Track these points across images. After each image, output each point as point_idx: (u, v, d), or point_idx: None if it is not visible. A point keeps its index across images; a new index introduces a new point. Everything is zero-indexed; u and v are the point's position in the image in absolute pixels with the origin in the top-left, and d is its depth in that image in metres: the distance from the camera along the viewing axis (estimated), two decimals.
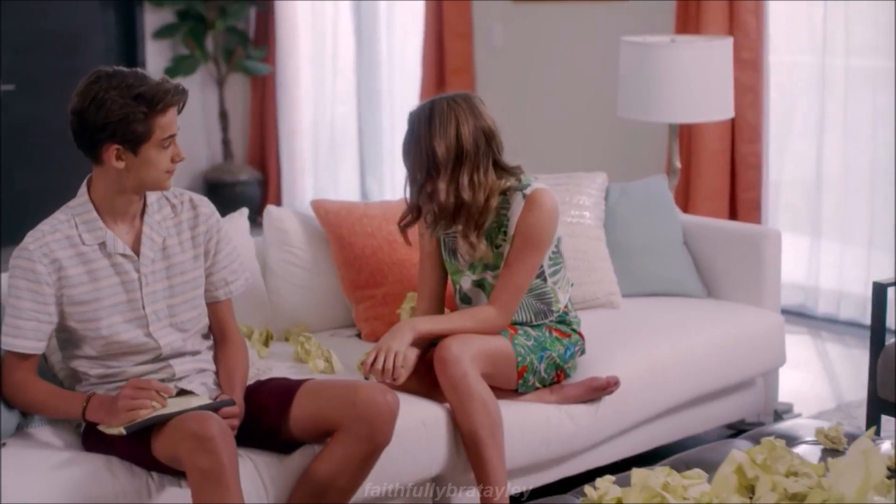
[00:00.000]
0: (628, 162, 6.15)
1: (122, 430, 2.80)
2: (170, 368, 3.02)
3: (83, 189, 2.99)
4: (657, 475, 2.59)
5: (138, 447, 2.86)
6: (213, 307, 3.14)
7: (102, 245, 2.94)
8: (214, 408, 2.86)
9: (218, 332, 3.18)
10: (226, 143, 8.18)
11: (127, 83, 2.85)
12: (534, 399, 3.50)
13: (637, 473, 2.61)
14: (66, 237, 2.92)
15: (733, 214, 5.93)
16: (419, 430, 3.24)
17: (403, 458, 3.19)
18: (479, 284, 3.49)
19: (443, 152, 3.30)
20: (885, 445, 2.82)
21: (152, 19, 7.91)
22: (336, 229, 3.83)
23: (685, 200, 5.98)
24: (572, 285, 3.65)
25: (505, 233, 3.42)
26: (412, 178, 3.38)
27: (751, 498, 2.54)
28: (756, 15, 5.77)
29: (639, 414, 3.69)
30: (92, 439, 2.93)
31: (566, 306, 3.57)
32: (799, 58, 5.81)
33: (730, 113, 4.82)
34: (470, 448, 3.28)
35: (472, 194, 3.33)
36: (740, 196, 5.93)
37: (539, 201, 3.39)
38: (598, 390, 3.53)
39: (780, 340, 4.10)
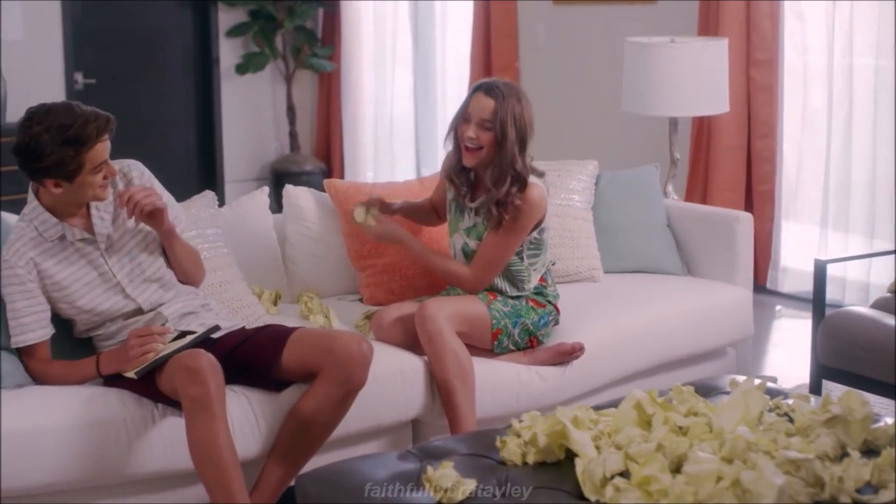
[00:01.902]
0: (649, 153, 6.52)
1: (133, 375, 3.32)
2: (161, 316, 3.52)
3: (31, 196, 3.47)
4: (574, 411, 3.02)
5: (145, 383, 3.36)
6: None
7: (62, 237, 3.44)
8: (206, 336, 3.37)
9: None
10: (293, 135, 8.71)
11: (58, 123, 3.27)
12: (507, 359, 3.94)
13: (559, 410, 3.04)
14: (31, 239, 3.42)
15: (749, 206, 6.28)
16: (396, 376, 3.70)
17: (382, 401, 3.66)
18: (465, 251, 3.96)
19: (530, 124, 3.83)
20: (789, 400, 3.20)
21: (225, 18, 8.48)
22: (345, 206, 4.30)
23: (703, 192, 6.36)
24: (553, 263, 4.11)
25: (490, 217, 3.85)
26: (509, 149, 3.77)
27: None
28: (771, 17, 6.13)
29: (606, 376, 4.10)
30: (110, 377, 3.44)
31: (544, 280, 4.00)
32: (810, 57, 6.14)
33: (724, 108, 5.21)
34: (443, 395, 3.74)
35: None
36: (755, 188, 6.29)
37: (529, 193, 3.83)
38: (566, 354, 3.95)
39: (747, 314, 4.48)
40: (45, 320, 3.44)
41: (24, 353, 3.46)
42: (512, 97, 3.79)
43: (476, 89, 3.84)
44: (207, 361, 3.22)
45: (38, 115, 3.31)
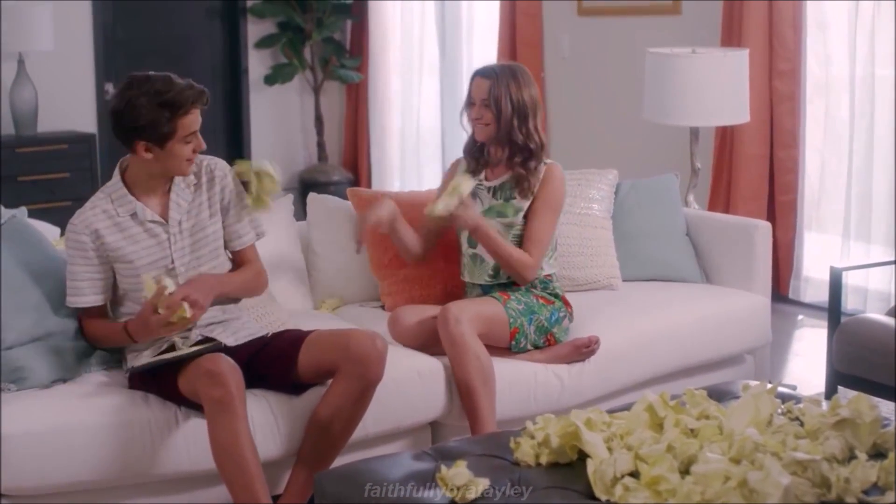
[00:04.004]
0: (671, 162, 6.56)
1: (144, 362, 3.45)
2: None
3: (117, 172, 3.59)
4: (587, 413, 3.07)
5: (169, 386, 3.45)
6: (236, 255, 3.73)
7: (134, 215, 3.55)
8: (208, 350, 3.46)
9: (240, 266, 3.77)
10: (321, 145, 8.79)
11: (155, 89, 3.42)
12: (525, 358, 4.01)
13: (573, 412, 3.09)
14: (103, 211, 3.55)
15: (771, 215, 6.31)
16: (414, 379, 3.77)
17: (400, 403, 3.73)
18: None
19: (529, 100, 4.03)
20: (801, 404, 3.24)
21: (254, 30, 8.59)
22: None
23: (726, 201, 6.39)
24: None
25: (520, 190, 4.05)
26: (507, 122, 4.01)
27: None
28: (793, 27, 6.17)
29: (623, 380, 4.15)
30: (134, 380, 3.54)
31: (550, 276, 4.10)
32: (833, 68, 6.18)
33: (745, 118, 5.25)
34: (464, 396, 3.80)
35: (540, 137, 4.07)
36: (778, 198, 6.32)
37: (554, 172, 4.10)
38: (582, 347, 4.03)
39: (765, 321, 4.53)
40: (100, 288, 3.57)
41: (81, 318, 3.63)
42: (506, 75, 4.03)
43: (474, 74, 4.10)
44: (227, 364, 3.31)
45: (137, 81, 3.46)
